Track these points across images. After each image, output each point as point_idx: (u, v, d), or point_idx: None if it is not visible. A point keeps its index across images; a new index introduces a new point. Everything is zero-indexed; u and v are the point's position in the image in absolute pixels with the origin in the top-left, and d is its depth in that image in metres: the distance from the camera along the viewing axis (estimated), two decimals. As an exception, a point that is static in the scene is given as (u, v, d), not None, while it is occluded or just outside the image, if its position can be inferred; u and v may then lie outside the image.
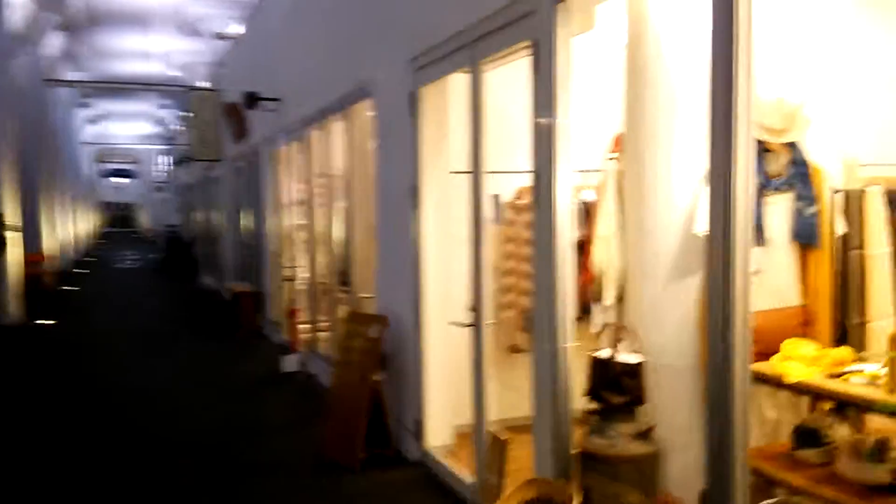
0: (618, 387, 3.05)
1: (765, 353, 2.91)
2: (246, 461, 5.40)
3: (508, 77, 4.49)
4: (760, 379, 2.75)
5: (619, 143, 3.77)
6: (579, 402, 3.42)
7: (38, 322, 12.59)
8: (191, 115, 14.66)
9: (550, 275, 3.39)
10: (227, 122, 12.71)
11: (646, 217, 3.23)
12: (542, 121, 3.41)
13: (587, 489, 3.12)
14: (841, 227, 3.22)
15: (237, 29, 12.64)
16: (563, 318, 3.38)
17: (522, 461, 4.14)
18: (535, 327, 3.66)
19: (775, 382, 2.85)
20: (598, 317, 4.69)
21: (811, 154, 3.26)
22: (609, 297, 3.46)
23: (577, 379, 3.39)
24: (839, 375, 2.77)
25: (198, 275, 20.34)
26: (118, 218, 60.47)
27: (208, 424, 6.46)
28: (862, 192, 3.21)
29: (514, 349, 5.35)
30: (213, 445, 5.85)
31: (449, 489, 4.68)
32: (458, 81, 4.85)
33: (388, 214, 5.72)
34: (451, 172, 5.01)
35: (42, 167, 16.88)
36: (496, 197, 5.25)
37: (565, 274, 3.37)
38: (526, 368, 5.23)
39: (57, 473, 5.27)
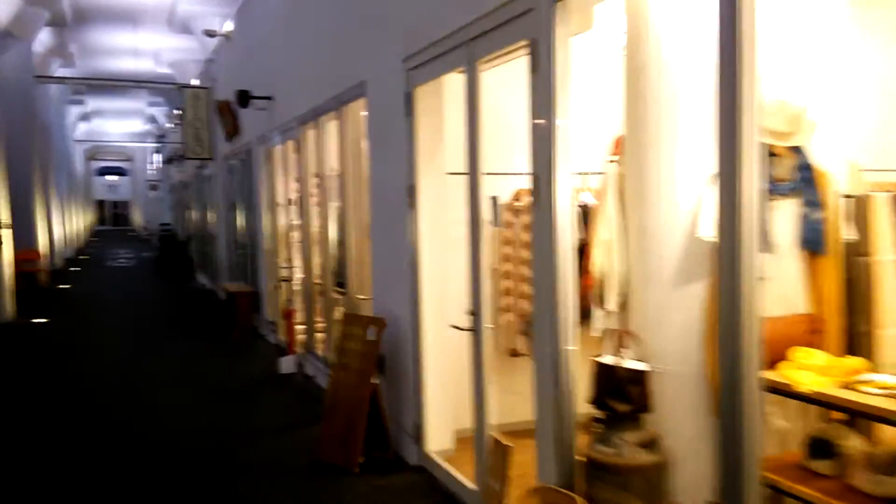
0: (623, 394, 2.99)
1: (771, 361, 2.85)
2: (241, 464, 5.34)
3: (504, 77, 4.45)
4: (771, 388, 2.69)
5: (619, 145, 3.71)
6: (582, 407, 3.37)
7: (31, 320, 12.50)
8: (183, 112, 14.56)
9: (552, 277, 3.33)
10: (220, 120, 12.62)
11: (648, 220, 3.17)
12: (541, 121, 3.35)
13: (593, 499, 3.06)
14: (848, 233, 3.16)
15: (229, 26, 12.51)
16: (566, 320, 3.32)
17: (525, 467, 4.09)
18: (536, 330, 3.60)
19: (786, 392, 2.79)
20: (599, 321, 4.66)
21: (816, 158, 3.20)
22: (611, 301, 3.39)
23: (581, 384, 3.34)
24: (851, 385, 2.71)
25: (193, 274, 20.24)
26: (111, 216, 60.33)
27: (203, 426, 6.40)
28: (868, 196, 3.15)
29: (514, 353, 5.30)
30: (209, 448, 5.78)
31: (450, 494, 4.63)
32: (453, 81, 4.79)
33: (383, 215, 5.66)
34: (448, 174, 4.96)
35: (34, 164, 16.75)
36: (494, 199, 5.19)
37: (567, 276, 3.31)
38: (525, 372, 5.18)
39: (50, 475, 5.20)
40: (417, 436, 5.07)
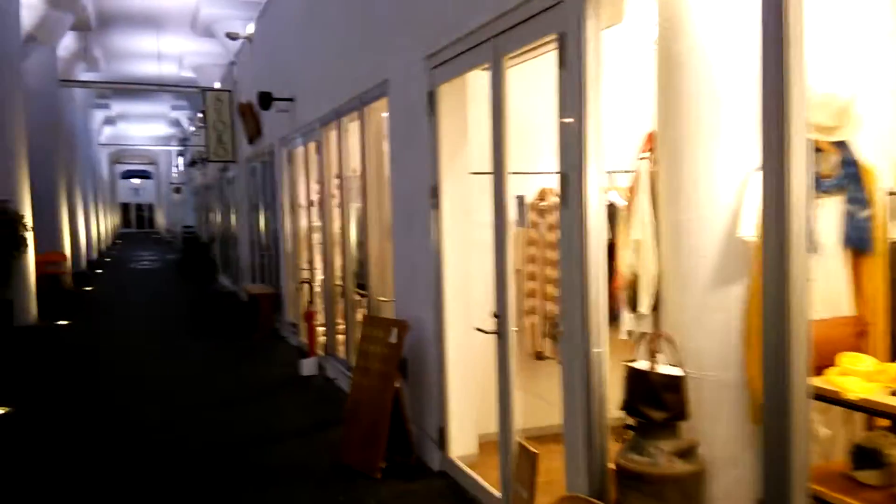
0: (658, 401, 2.86)
1: (815, 366, 2.70)
2: (262, 467, 5.26)
3: (525, 75, 4.34)
4: (817, 395, 2.55)
5: (650, 142, 3.58)
6: (613, 413, 3.25)
7: (55, 322, 12.56)
8: (205, 115, 14.61)
9: (581, 278, 3.21)
10: (242, 122, 12.63)
11: (684, 219, 3.03)
12: (570, 117, 3.23)
13: (625, 510, 2.93)
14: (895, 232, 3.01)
15: (251, 29, 12.53)
16: (596, 323, 3.21)
17: (551, 474, 3.98)
18: (564, 332, 3.48)
19: (834, 399, 2.64)
20: (628, 323, 4.53)
21: (862, 153, 3.05)
22: (644, 304, 3.26)
23: (611, 388, 3.22)
24: (902, 392, 2.57)
25: (215, 276, 20.31)
26: (136, 219, 60.97)
27: (224, 428, 6.34)
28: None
29: (538, 356, 5.18)
30: (229, 450, 5.72)
31: (474, 501, 4.52)
32: (476, 80, 4.69)
33: (405, 216, 5.56)
34: (471, 173, 4.86)
35: (59, 168, 16.89)
36: (521, 198, 5.07)
37: (597, 277, 3.20)
38: (550, 376, 5.10)
39: (70, 475, 5.16)
40: (441, 440, 4.96)
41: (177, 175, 41.70)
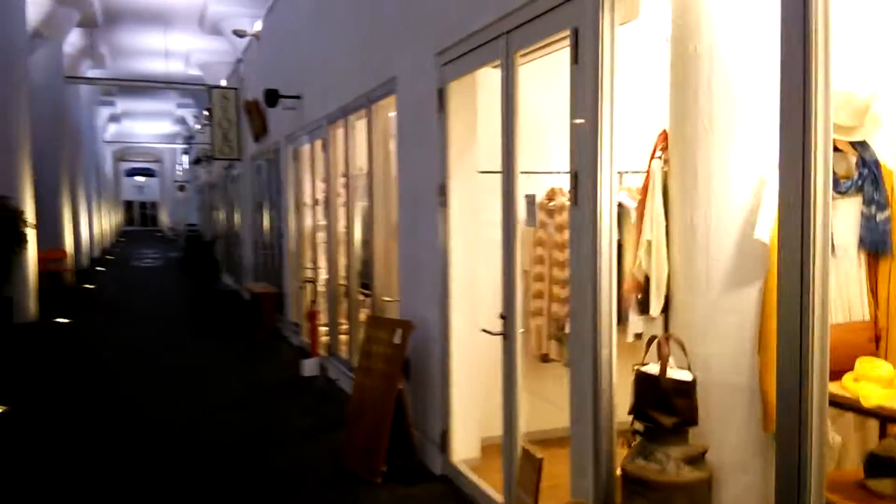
0: (668, 406, 2.79)
1: (831, 372, 2.63)
2: (261, 471, 5.19)
3: (534, 73, 4.27)
4: (834, 402, 2.48)
5: (662, 141, 3.50)
6: (620, 418, 3.18)
7: (56, 320, 12.51)
8: (211, 113, 14.58)
9: (592, 280, 3.14)
10: (248, 119, 12.59)
11: (697, 219, 2.96)
12: (583, 115, 3.17)
13: (633, 517, 2.86)
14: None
15: (259, 27, 12.50)
16: (606, 325, 3.14)
17: (555, 478, 3.91)
18: (573, 335, 3.41)
19: (851, 406, 2.57)
20: (634, 326, 4.46)
21: (880, 154, 2.98)
22: (655, 306, 3.19)
23: (620, 391, 3.16)
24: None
25: (218, 275, 20.26)
26: (139, 217, 61.05)
27: (223, 430, 6.27)
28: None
29: (544, 358, 5.11)
30: (228, 452, 5.65)
31: (476, 506, 4.45)
32: (485, 77, 4.63)
33: (411, 215, 5.50)
34: (480, 172, 4.80)
35: (63, 164, 16.87)
36: (532, 197, 5.00)
37: (608, 279, 3.13)
38: (555, 378, 5.03)
39: (66, 475, 5.09)
40: (443, 444, 4.89)
41: (181, 173, 41.71)
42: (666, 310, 3.25)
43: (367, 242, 6.87)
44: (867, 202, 2.89)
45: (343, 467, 5.11)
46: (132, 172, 56.33)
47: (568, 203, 4.90)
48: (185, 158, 36.81)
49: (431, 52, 4.84)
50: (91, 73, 22.27)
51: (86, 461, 5.47)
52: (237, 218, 17.24)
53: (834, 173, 2.83)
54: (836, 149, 2.84)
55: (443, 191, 4.78)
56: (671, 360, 2.91)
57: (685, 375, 2.83)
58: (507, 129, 3.89)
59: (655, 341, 2.94)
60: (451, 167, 4.75)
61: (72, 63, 19.25)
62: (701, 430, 2.87)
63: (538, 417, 4.74)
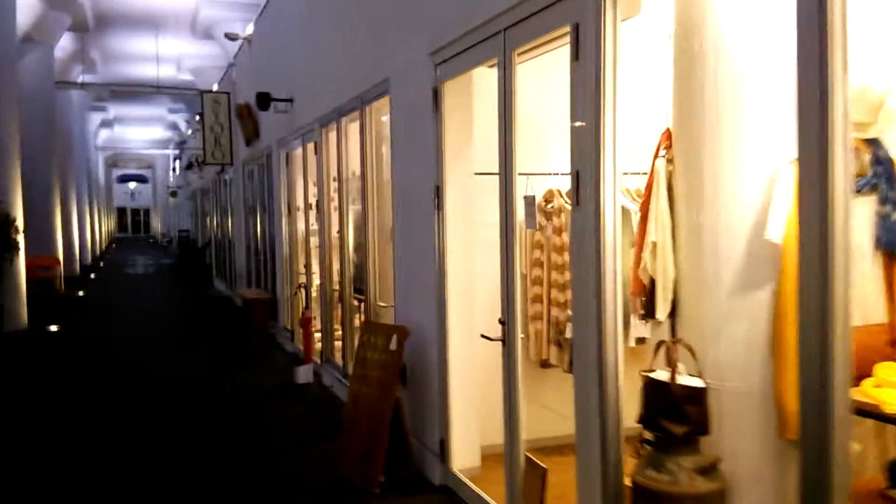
0: (679, 414, 2.67)
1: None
2: (254, 481, 5.05)
3: (530, 73, 4.16)
4: (855, 409, 2.36)
5: (667, 139, 3.40)
6: (628, 424, 3.07)
7: (46, 327, 12.34)
8: (202, 118, 14.46)
9: (596, 283, 3.03)
10: (240, 123, 12.48)
11: (706, 220, 2.85)
12: (584, 112, 3.06)
13: (642, 530, 2.74)
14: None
15: (249, 30, 12.39)
16: (611, 330, 3.03)
17: (559, 487, 3.80)
18: (576, 340, 3.30)
19: (873, 413, 2.46)
20: (637, 330, 4.35)
21: (894, 151, 2.88)
22: (662, 310, 3.08)
23: (627, 398, 3.04)
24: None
25: (210, 281, 20.10)
26: (132, 223, 60.81)
27: (215, 439, 6.13)
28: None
29: (544, 364, 4.99)
30: (220, 462, 5.51)
31: (476, 517, 4.32)
32: (480, 76, 4.52)
33: (406, 218, 5.38)
34: (476, 174, 4.68)
35: (54, 170, 16.70)
36: (532, 198, 4.87)
37: (613, 282, 3.02)
38: (556, 385, 4.92)
39: (53, 486, 4.95)
40: (442, 453, 4.76)
41: (173, 179, 41.52)
42: (672, 314, 3.14)
43: (361, 246, 6.75)
44: (882, 201, 2.79)
45: (339, 478, 4.98)
46: (124, 179, 56.12)
47: (567, 205, 4.81)
48: (178, 164, 36.63)
49: (426, 52, 4.73)
50: (82, 78, 22.11)
51: (75, 469, 5.32)
52: (229, 223, 17.10)
53: (847, 171, 2.73)
54: (849, 145, 2.73)
55: (438, 193, 4.67)
56: (680, 366, 2.80)
57: (696, 382, 2.72)
58: (505, 129, 3.78)
59: (664, 346, 2.83)
60: (447, 169, 4.64)
61: (63, 68, 19.10)
62: (713, 438, 2.76)
63: (538, 425, 4.61)
